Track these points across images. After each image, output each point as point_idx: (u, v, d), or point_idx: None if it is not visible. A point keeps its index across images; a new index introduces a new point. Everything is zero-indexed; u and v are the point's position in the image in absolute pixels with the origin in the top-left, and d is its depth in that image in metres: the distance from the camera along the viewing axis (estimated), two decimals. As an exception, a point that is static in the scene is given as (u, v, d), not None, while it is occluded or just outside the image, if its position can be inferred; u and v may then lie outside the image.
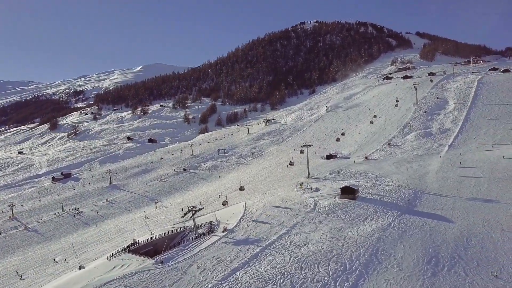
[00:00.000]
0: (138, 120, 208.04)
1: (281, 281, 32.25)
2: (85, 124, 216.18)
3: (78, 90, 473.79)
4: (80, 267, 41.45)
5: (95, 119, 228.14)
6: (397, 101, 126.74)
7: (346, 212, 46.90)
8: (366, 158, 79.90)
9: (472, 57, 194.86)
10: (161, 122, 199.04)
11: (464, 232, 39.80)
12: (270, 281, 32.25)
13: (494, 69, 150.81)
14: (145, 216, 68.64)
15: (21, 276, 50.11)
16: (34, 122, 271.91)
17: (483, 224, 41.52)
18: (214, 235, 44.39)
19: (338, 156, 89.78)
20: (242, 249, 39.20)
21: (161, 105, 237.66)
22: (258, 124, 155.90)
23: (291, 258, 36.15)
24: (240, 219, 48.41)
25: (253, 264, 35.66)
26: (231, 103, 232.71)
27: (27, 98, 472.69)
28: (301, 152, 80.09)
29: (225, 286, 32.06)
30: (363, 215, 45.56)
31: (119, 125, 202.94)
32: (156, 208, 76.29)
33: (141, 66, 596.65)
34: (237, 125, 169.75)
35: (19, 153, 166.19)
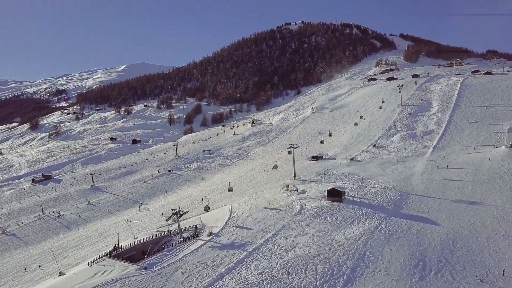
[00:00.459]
0: (122, 120, 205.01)
1: (268, 287, 31.64)
2: (67, 124, 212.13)
3: (60, 89, 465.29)
4: (60, 274, 40.17)
5: (77, 119, 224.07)
6: (382, 102, 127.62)
7: (333, 215, 46.56)
8: (351, 159, 79.91)
9: (454, 60, 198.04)
10: (145, 123, 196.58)
11: (450, 235, 39.85)
12: (257, 287, 31.62)
13: (476, 71, 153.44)
14: (127, 220, 67.10)
15: (-2, 283, 48.40)
16: (14, 122, 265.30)
17: (468, 227, 41.67)
18: (199, 239, 43.54)
19: (323, 157, 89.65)
20: (228, 253, 38.46)
21: (145, 105, 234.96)
22: (244, 124, 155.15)
23: (278, 263, 35.57)
24: (226, 222, 47.64)
25: (239, 270, 34.96)
26: (216, 103, 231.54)
27: (7, 97, 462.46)
28: (289, 152, 79.84)
29: (210, 293, 31.31)
30: (350, 218, 45.28)
31: (102, 125, 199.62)
32: (140, 211, 74.83)
33: (125, 65, 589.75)
34: (223, 126, 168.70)
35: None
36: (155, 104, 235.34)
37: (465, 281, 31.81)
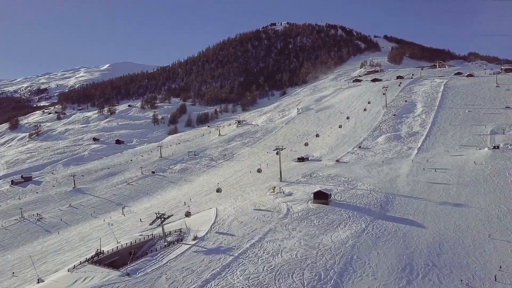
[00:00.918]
0: (105, 120, 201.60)
1: (255, 293, 30.99)
2: (48, 124, 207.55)
3: (41, 88, 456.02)
4: (39, 281, 38.80)
5: (59, 118, 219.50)
6: (369, 102, 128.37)
7: (320, 217, 46.19)
8: (337, 161, 79.94)
9: (437, 62, 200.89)
10: (129, 123, 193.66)
11: (436, 238, 39.88)
12: (243, 294, 30.96)
13: (458, 73, 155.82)
14: (109, 223, 65.43)
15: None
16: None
17: (454, 229, 41.80)
18: (184, 244, 42.63)
19: (309, 158, 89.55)
20: (213, 258, 37.69)
21: (129, 105, 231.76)
22: (229, 125, 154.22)
23: (265, 268, 34.96)
24: (211, 226, 46.81)
25: (225, 275, 34.23)
26: (201, 103, 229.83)
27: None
28: (277, 153, 79.29)
29: (195, 301, 30.48)
30: (337, 221, 44.98)
31: (84, 125, 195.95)
32: (123, 214, 73.21)
33: (108, 64, 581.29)
34: (208, 126, 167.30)
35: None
36: (139, 104, 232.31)
37: (452, 285, 31.76)
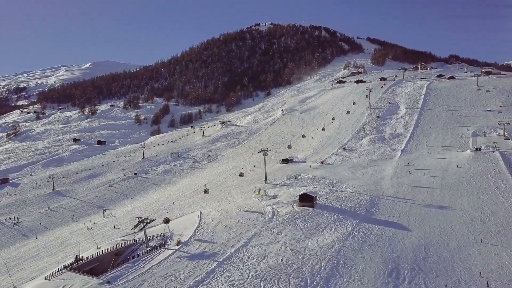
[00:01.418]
0: (86, 120, 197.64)
1: (240, 301, 30.23)
2: (27, 124, 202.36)
3: (20, 86, 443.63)
4: (14, 290, 37.11)
5: (38, 118, 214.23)
6: (354, 103, 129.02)
7: (305, 221, 45.74)
8: (322, 162, 79.77)
9: (419, 64, 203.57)
10: (111, 123, 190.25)
11: (421, 241, 39.84)
12: (228, 302, 30.16)
13: (440, 75, 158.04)
14: (88, 227, 63.55)
15: None
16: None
17: (439, 232, 41.87)
18: (167, 249, 41.60)
19: (294, 160, 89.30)
20: (197, 264, 36.80)
21: (111, 105, 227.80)
22: (214, 125, 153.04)
23: (250, 274, 34.24)
24: (195, 230, 45.88)
25: (209, 282, 33.42)
26: (185, 103, 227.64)
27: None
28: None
29: (178, 310, 29.53)
30: (322, 224, 44.60)
31: (64, 125, 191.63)
32: (104, 217, 71.40)
33: (90, 63, 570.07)
34: (192, 127, 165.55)
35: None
36: (121, 104, 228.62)
37: (438, 290, 31.62)
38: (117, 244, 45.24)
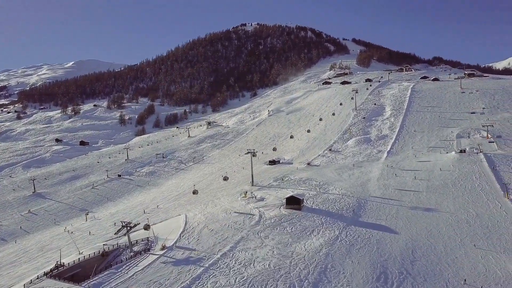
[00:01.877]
0: (69, 120, 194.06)
1: (227, 308, 29.47)
2: (7, 123, 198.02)
3: (0, 85, 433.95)
4: (-10, 298, 35.59)
5: (18, 118, 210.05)
6: (340, 104, 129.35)
7: (292, 224, 45.20)
8: (308, 164, 79.50)
9: (404, 65, 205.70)
10: (94, 123, 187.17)
11: (409, 244, 39.67)
12: (214, 310, 29.38)
13: (425, 77, 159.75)
14: (69, 231, 61.78)
15: None
16: None
17: (426, 235, 41.79)
18: (152, 254, 40.53)
19: (281, 161, 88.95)
20: (182, 270, 35.90)
21: (94, 105, 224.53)
22: (200, 126, 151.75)
23: (237, 280, 33.50)
24: (180, 234, 44.88)
25: (195, 288, 32.51)
26: (170, 103, 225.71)
27: None
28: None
29: (163, 319, 28.61)
30: (310, 228, 44.12)
31: (46, 125, 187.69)
32: (86, 220, 69.67)
33: (73, 62, 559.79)
34: (177, 127, 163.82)
35: None
36: (105, 103, 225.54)
37: (427, 294, 31.42)
38: (99, 251, 43.93)
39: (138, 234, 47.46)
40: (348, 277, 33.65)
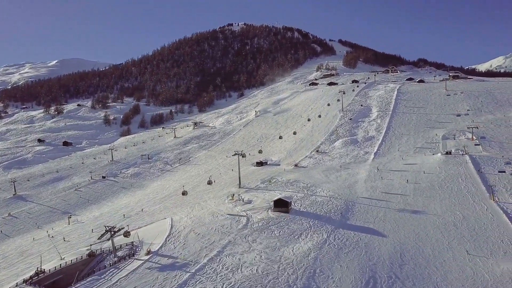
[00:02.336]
0: (51, 120, 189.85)
1: (214, 316, 28.72)
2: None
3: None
4: (-34, 308, 34.10)
5: (0, 117, 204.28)
6: (328, 104, 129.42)
7: (280, 227, 44.66)
8: (296, 165, 79.15)
9: (390, 67, 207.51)
10: (78, 123, 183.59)
11: (397, 247, 39.48)
12: (201, 318, 28.60)
13: (410, 79, 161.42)
14: (49, 235, 60.00)
15: None
16: None
17: (414, 238, 41.66)
18: (136, 259, 39.55)
19: (268, 163, 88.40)
20: (168, 275, 35.05)
21: (78, 104, 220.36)
22: (187, 126, 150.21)
23: (224, 285, 32.80)
24: (166, 238, 43.95)
25: (181, 295, 31.68)
26: (156, 103, 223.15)
27: None
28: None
29: (148, 328, 27.73)
30: (298, 231, 43.64)
31: (28, 125, 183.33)
32: (69, 224, 67.91)
33: (56, 60, 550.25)
34: (163, 128, 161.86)
35: None
36: (89, 103, 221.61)
37: (416, 299, 31.17)
38: (81, 256, 42.64)
39: (122, 239, 46.21)
40: (336, 282, 33.23)
